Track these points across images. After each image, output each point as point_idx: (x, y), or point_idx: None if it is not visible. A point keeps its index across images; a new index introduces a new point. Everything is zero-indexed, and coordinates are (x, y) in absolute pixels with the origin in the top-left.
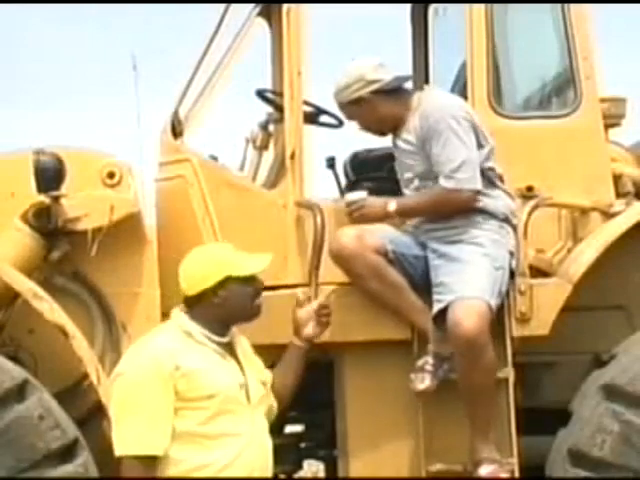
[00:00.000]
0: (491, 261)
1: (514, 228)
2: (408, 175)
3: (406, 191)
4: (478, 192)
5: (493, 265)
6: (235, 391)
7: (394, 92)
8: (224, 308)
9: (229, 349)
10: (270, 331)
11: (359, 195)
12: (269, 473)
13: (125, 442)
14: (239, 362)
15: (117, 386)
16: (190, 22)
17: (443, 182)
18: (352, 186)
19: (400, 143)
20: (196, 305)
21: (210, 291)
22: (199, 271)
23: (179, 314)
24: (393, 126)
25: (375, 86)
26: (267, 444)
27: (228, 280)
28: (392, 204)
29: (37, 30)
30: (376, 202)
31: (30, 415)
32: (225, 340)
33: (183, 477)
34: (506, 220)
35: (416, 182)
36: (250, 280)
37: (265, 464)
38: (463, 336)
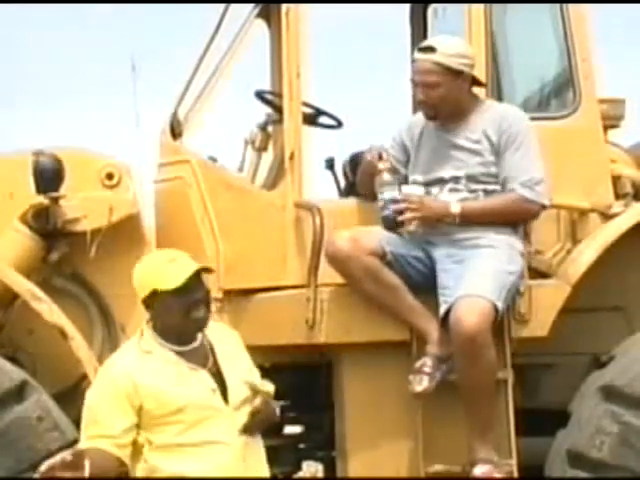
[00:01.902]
0: (504, 264)
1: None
2: (455, 173)
3: (433, 189)
4: (544, 208)
5: (506, 269)
6: (207, 398)
7: (475, 86)
8: (163, 318)
9: (198, 355)
10: (269, 332)
11: (416, 190)
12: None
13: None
14: (216, 363)
15: (83, 412)
16: (189, 23)
17: (522, 190)
18: (351, 187)
19: (457, 139)
20: (148, 309)
21: (147, 302)
22: (136, 281)
23: (144, 328)
24: (451, 115)
25: (474, 72)
26: (254, 447)
27: (158, 293)
28: (455, 206)
29: (37, 30)
30: (434, 203)
31: (29, 416)
32: (190, 347)
33: (180, 477)
34: (525, 222)
35: (462, 182)
36: (182, 291)
37: (251, 470)
38: (463, 333)
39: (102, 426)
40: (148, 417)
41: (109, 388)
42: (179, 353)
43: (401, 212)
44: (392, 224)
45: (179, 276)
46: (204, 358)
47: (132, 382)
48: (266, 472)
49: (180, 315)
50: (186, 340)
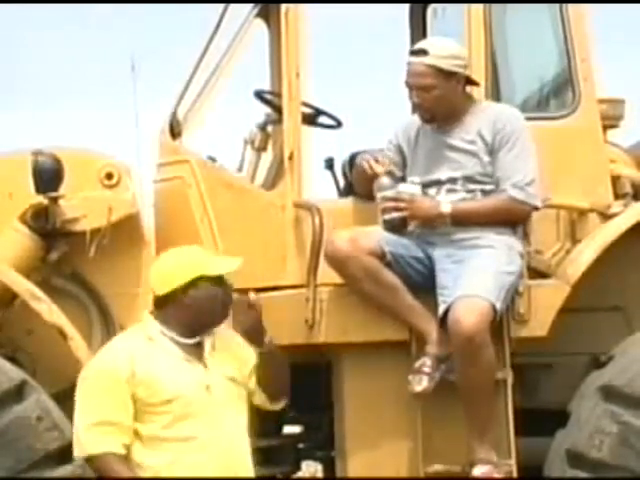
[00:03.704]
0: (504, 265)
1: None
2: (451, 174)
3: (430, 190)
4: (536, 210)
5: (505, 270)
6: (198, 394)
7: (469, 87)
8: (193, 309)
9: (198, 350)
10: (271, 332)
11: (411, 189)
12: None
13: (80, 443)
14: (210, 361)
15: (78, 390)
16: (189, 23)
17: (513, 191)
18: (350, 187)
19: (452, 141)
20: (165, 306)
21: (180, 290)
22: (171, 270)
23: (148, 317)
24: (447, 117)
25: (469, 73)
26: (237, 447)
27: (200, 279)
28: (446, 206)
29: (37, 30)
30: (426, 202)
31: (28, 416)
32: (193, 341)
33: (175, 477)
34: (517, 223)
35: (459, 183)
36: (220, 282)
37: (235, 468)
38: (462, 334)
39: (110, 413)
40: (139, 405)
41: (111, 374)
42: (179, 345)
43: (395, 210)
44: (394, 227)
45: (229, 263)
46: (200, 353)
47: (131, 368)
48: (250, 472)
49: (216, 304)
50: (192, 334)
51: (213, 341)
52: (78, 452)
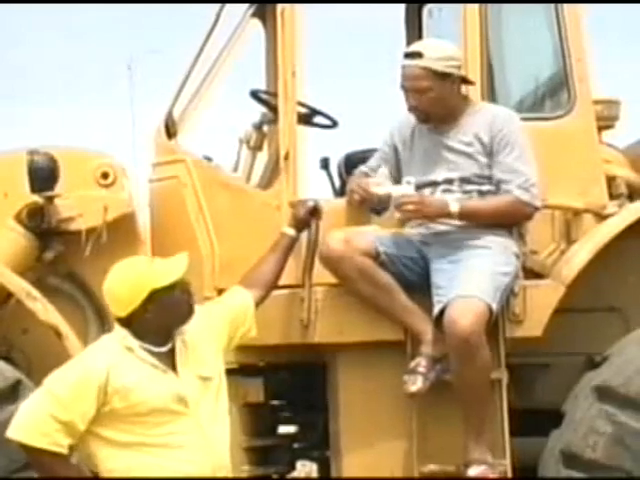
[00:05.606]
0: (500, 266)
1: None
2: (448, 175)
3: (426, 191)
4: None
5: (501, 270)
6: (174, 405)
7: (464, 87)
8: (159, 319)
9: (171, 357)
10: (263, 331)
11: (406, 190)
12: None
13: (31, 430)
14: (184, 363)
15: (49, 380)
16: (185, 22)
17: (518, 193)
18: (346, 187)
19: (449, 142)
20: (131, 324)
21: (140, 310)
22: (123, 293)
23: (120, 328)
24: (444, 117)
25: (463, 73)
26: (217, 449)
27: (154, 294)
28: (454, 205)
29: (35, 30)
30: (434, 202)
31: None
32: (165, 349)
33: (171, 477)
34: (520, 224)
35: (455, 184)
36: (175, 285)
37: (217, 469)
38: (457, 334)
39: (69, 413)
40: (113, 414)
41: (85, 377)
42: (154, 355)
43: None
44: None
45: (177, 267)
46: (174, 359)
47: (106, 377)
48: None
49: (180, 306)
50: (166, 340)
51: (183, 341)
52: (23, 437)
